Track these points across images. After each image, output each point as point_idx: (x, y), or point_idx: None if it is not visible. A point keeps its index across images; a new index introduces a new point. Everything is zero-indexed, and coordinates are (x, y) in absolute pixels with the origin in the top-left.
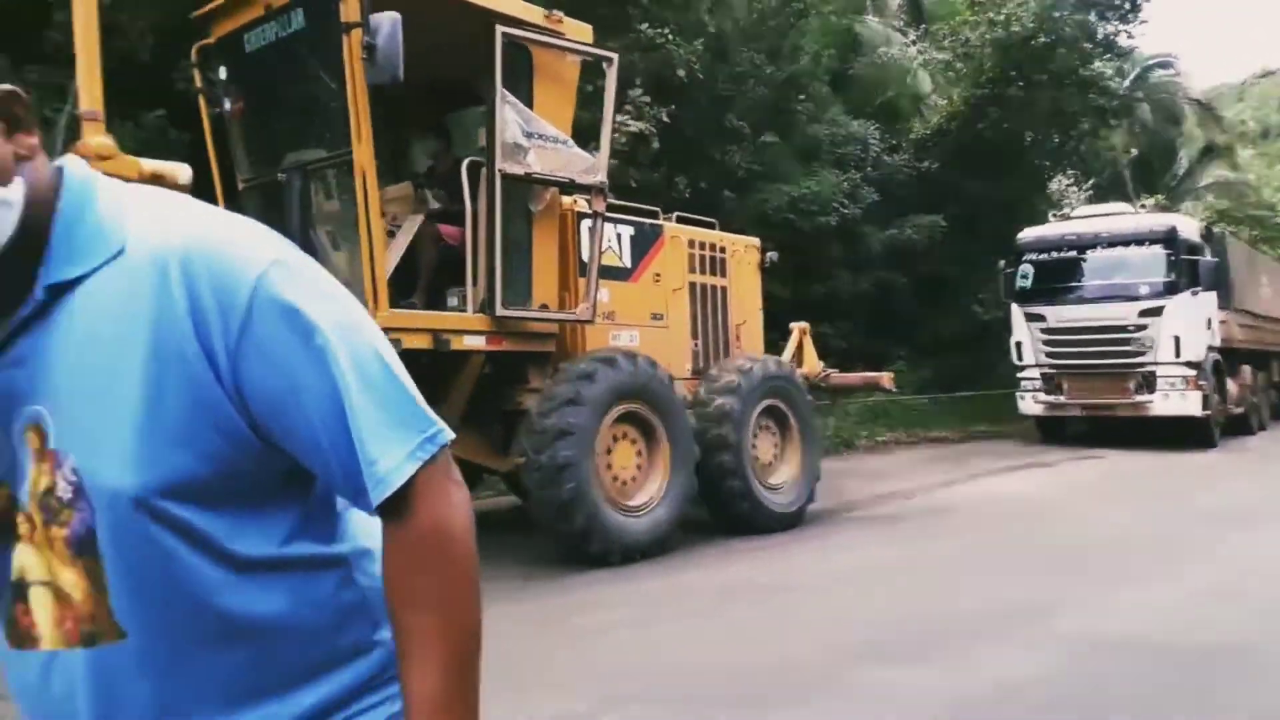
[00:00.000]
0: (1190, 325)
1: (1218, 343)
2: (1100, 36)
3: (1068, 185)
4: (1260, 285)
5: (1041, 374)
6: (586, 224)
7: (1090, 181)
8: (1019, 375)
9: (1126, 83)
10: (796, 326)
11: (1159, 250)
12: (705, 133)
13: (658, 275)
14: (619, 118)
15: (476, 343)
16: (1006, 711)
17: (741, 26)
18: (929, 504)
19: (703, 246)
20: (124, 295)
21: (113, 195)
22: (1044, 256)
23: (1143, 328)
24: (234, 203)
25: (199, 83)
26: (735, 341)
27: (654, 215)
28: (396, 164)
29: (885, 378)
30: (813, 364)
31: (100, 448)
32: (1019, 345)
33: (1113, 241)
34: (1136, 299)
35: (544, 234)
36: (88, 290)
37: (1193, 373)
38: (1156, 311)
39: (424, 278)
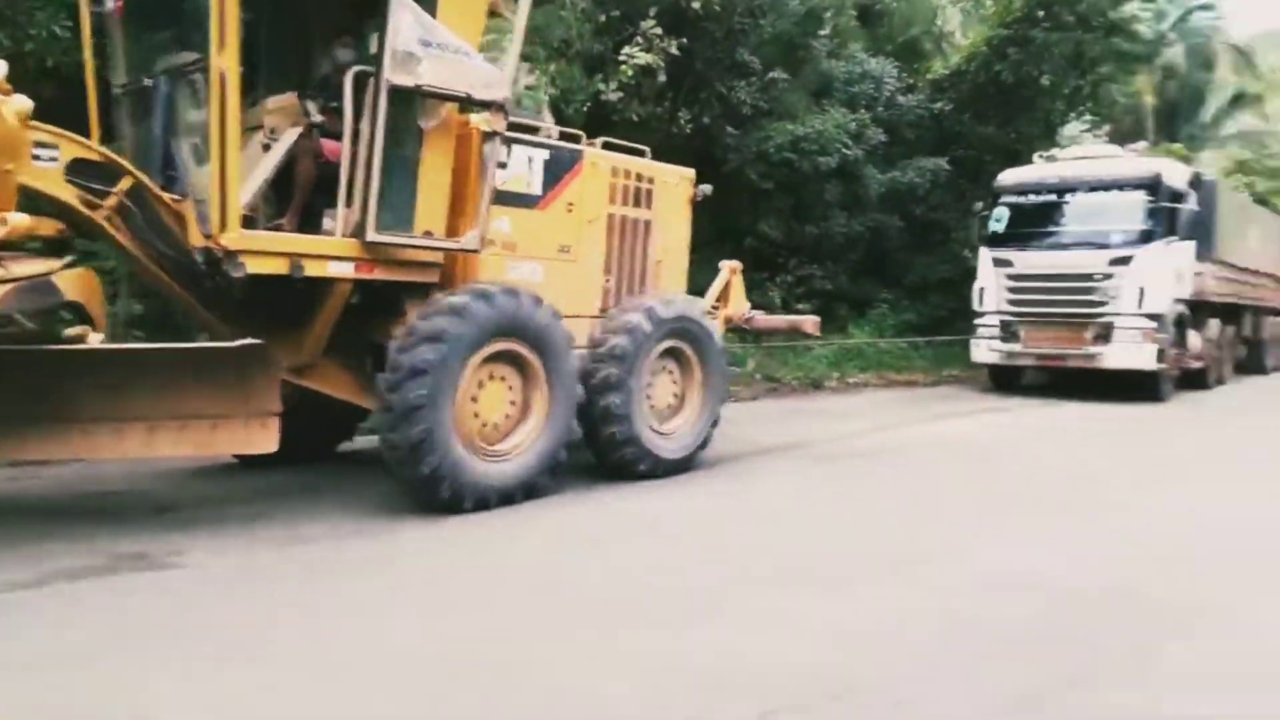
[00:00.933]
0: (1158, 276)
1: (1187, 295)
2: None
3: (1084, 131)
4: (1247, 238)
5: (1000, 321)
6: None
7: (1107, 127)
8: (976, 322)
9: (1167, 25)
10: (726, 265)
11: (1140, 196)
12: (715, 67)
13: (571, 204)
14: (628, 49)
15: (342, 270)
16: (884, 634)
17: None
18: (878, 444)
19: (627, 175)
20: None
21: None
22: (1021, 199)
23: (1109, 277)
24: (108, 111)
25: None
26: (655, 279)
27: (575, 139)
28: (303, 74)
29: (808, 322)
30: (740, 305)
31: None
32: (982, 291)
33: (1094, 186)
34: (1108, 247)
35: (436, 153)
36: None
37: (1151, 325)
38: (1126, 260)
39: (298, 197)
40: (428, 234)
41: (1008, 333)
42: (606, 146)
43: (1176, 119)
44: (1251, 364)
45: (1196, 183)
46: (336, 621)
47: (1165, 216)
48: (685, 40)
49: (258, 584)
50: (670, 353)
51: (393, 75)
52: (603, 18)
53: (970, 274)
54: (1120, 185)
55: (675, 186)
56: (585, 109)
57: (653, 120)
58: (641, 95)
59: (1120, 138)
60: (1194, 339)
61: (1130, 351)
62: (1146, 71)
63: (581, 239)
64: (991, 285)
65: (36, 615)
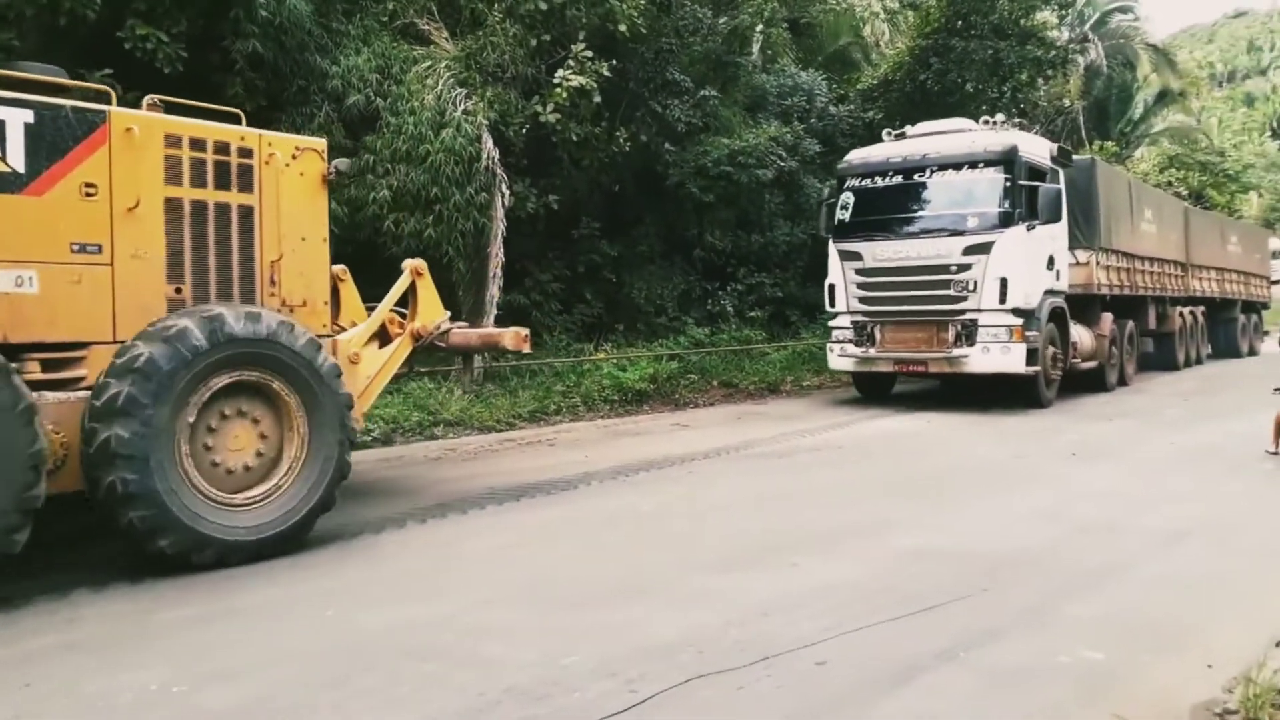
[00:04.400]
0: (1023, 265)
1: (1064, 286)
2: None
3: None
4: (1142, 221)
5: (853, 323)
6: None
7: (1036, 129)
8: (830, 325)
9: (1087, 27)
10: (409, 265)
11: (995, 175)
12: (648, 86)
13: (91, 186)
14: (561, 72)
15: None
16: (811, 605)
17: None
18: (820, 441)
19: (198, 146)
20: None
21: None
22: (866, 183)
23: (966, 268)
24: None
25: None
26: (270, 285)
27: (103, 98)
28: None
29: (508, 336)
30: (432, 314)
31: None
32: (832, 289)
33: (943, 164)
34: (962, 233)
35: None
36: None
37: (1018, 322)
38: (984, 248)
39: None
40: None
41: (862, 335)
42: (161, 107)
43: (1107, 119)
44: (1161, 359)
45: (1063, 157)
46: None
47: (1025, 196)
48: (616, 62)
49: None
50: (255, 391)
51: None
52: (534, 42)
53: None
54: (973, 162)
55: (294, 162)
56: (524, 130)
57: (592, 139)
58: (579, 116)
59: (1054, 139)
60: (1082, 336)
61: (996, 353)
62: (1063, 75)
63: (120, 234)
64: (840, 282)
65: None
